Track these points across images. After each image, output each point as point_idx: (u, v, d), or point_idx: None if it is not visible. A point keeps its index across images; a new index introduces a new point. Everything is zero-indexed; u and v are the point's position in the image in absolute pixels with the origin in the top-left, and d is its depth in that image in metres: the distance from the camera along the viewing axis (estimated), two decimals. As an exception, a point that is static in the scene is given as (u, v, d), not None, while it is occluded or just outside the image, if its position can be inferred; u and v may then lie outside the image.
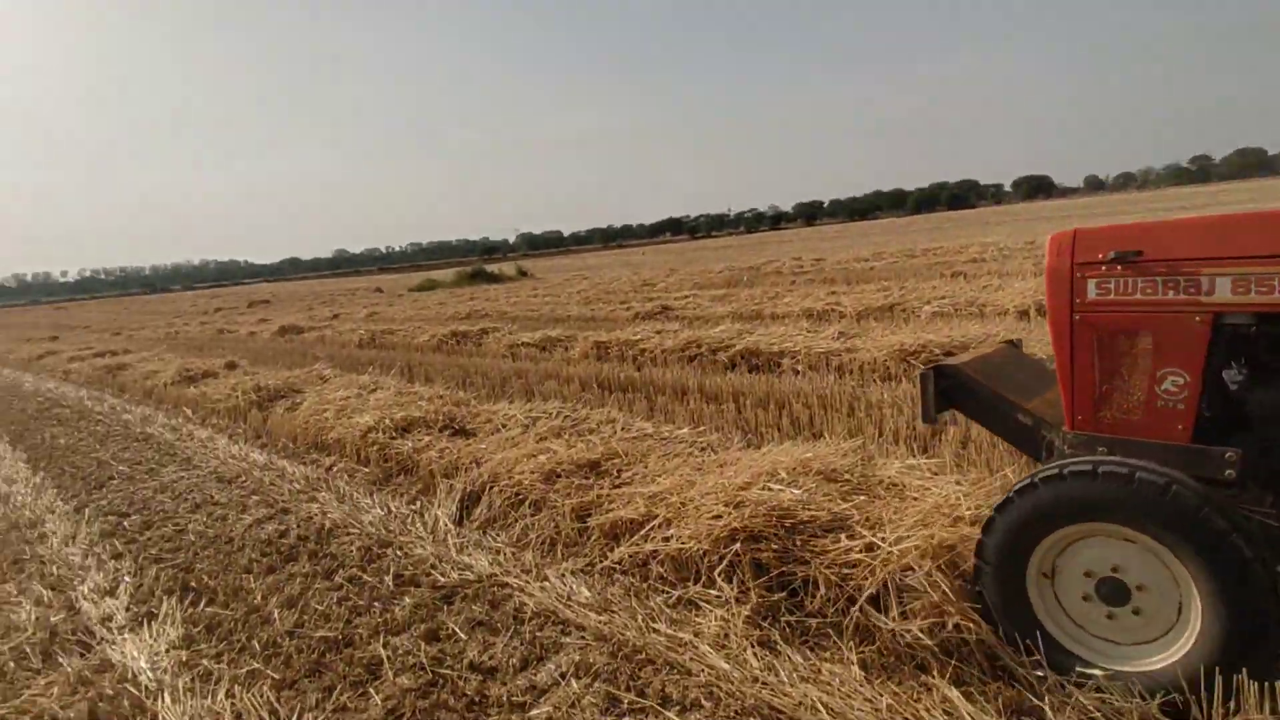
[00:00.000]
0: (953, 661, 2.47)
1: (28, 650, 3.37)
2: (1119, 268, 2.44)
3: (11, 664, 3.27)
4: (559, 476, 4.32)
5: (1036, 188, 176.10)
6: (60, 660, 3.25)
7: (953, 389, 2.93)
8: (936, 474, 3.50)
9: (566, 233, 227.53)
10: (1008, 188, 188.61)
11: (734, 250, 45.73)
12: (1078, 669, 2.30)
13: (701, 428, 5.33)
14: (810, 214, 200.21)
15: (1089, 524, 2.23)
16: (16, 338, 28.48)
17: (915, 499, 3.13)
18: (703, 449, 4.73)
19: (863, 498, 3.25)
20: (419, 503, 4.73)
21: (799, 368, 7.29)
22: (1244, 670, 2.04)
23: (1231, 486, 2.30)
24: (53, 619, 3.65)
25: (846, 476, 3.52)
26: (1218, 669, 2.06)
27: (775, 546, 2.99)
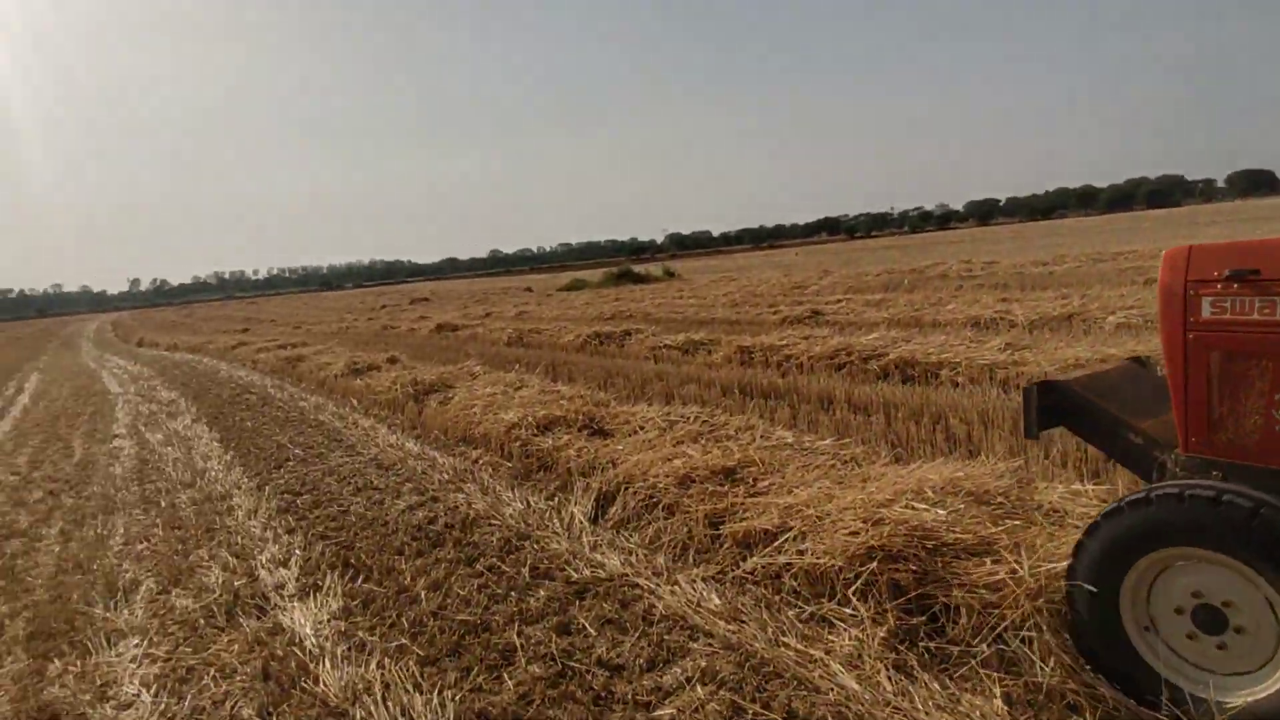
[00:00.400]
0: (1103, 706, 2.32)
1: (215, 610, 3.89)
2: (1235, 286, 2.39)
3: (201, 620, 3.79)
4: (693, 481, 4.41)
5: (1256, 183, 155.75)
6: (240, 621, 3.73)
7: (1060, 405, 2.91)
8: (1104, 502, 3.26)
9: (716, 233, 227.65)
10: (1220, 183, 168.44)
11: (896, 252, 44.00)
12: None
13: (846, 439, 5.22)
14: (984, 213, 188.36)
15: (1192, 549, 2.21)
16: (215, 329, 32.47)
17: (1076, 527, 2.94)
18: (845, 461, 4.65)
19: (1017, 523, 3.09)
20: (557, 499, 4.98)
21: (959, 380, 6.96)
22: None
23: None
24: (236, 584, 4.19)
25: (1000, 499, 3.36)
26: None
27: (914, 568, 2.92)
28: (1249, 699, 2.16)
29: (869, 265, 28.65)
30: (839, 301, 15.13)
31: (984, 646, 2.63)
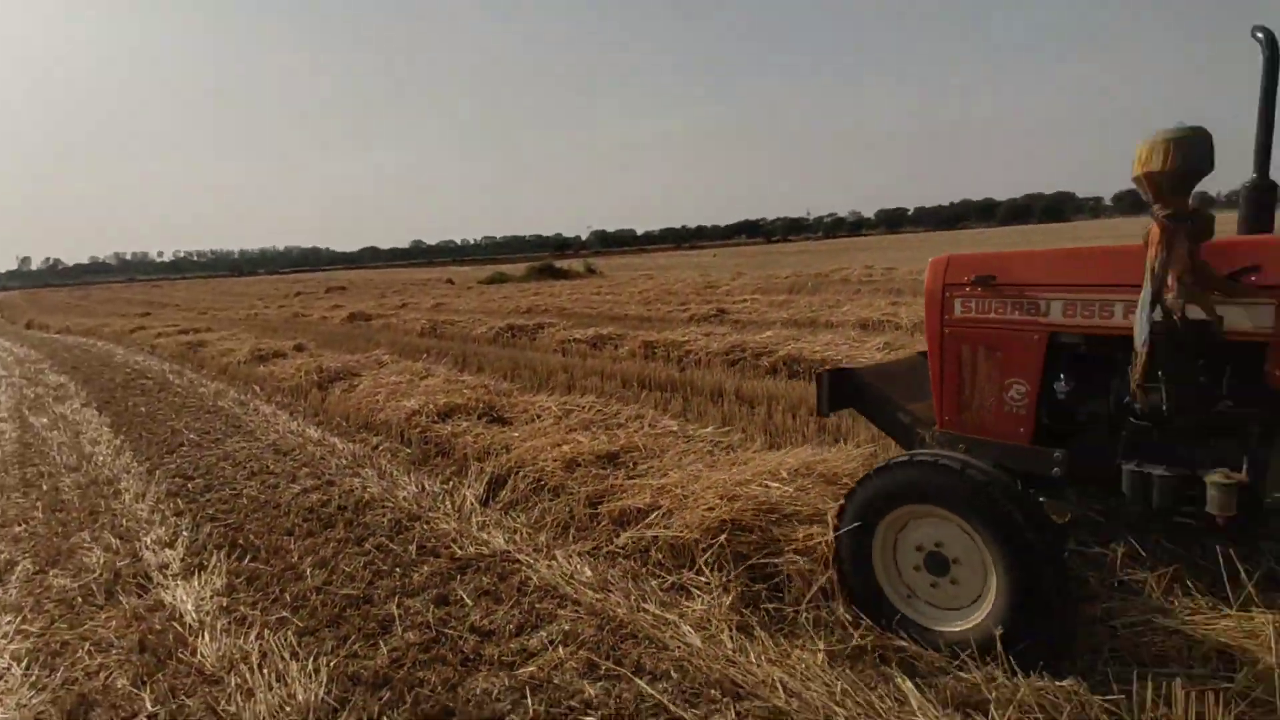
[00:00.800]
0: (905, 655, 2.65)
1: (94, 588, 3.85)
2: (979, 289, 2.82)
3: (79, 599, 3.75)
4: (579, 465, 4.61)
5: (1139, 202, 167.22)
6: (120, 599, 3.71)
7: (849, 389, 3.37)
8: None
9: (640, 231, 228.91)
10: (1108, 201, 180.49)
11: (809, 256, 45.35)
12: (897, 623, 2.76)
13: (727, 428, 5.53)
14: (893, 221, 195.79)
15: (919, 505, 2.65)
16: (113, 312, 30.71)
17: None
18: (723, 448, 4.94)
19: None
20: (451, 483, 5.10)
21: (839, 376, 7.38)
22: (1030, 634, 2.42)
23: (1060, 483, 2.69)
24: (118, 564, 4.14)
25: (846, 479, 3.68)
26: (1006, 632, 2.44)
27: (756, 538, 3.20)
28: (970, 628, 2.60)
29: (780, 268, 29.50)
30: (745, 302, 15.62)
31: (815, 608, 2.93)
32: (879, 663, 2.69)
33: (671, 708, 2.55)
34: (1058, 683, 2.35)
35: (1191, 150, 2.15)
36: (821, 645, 2.79)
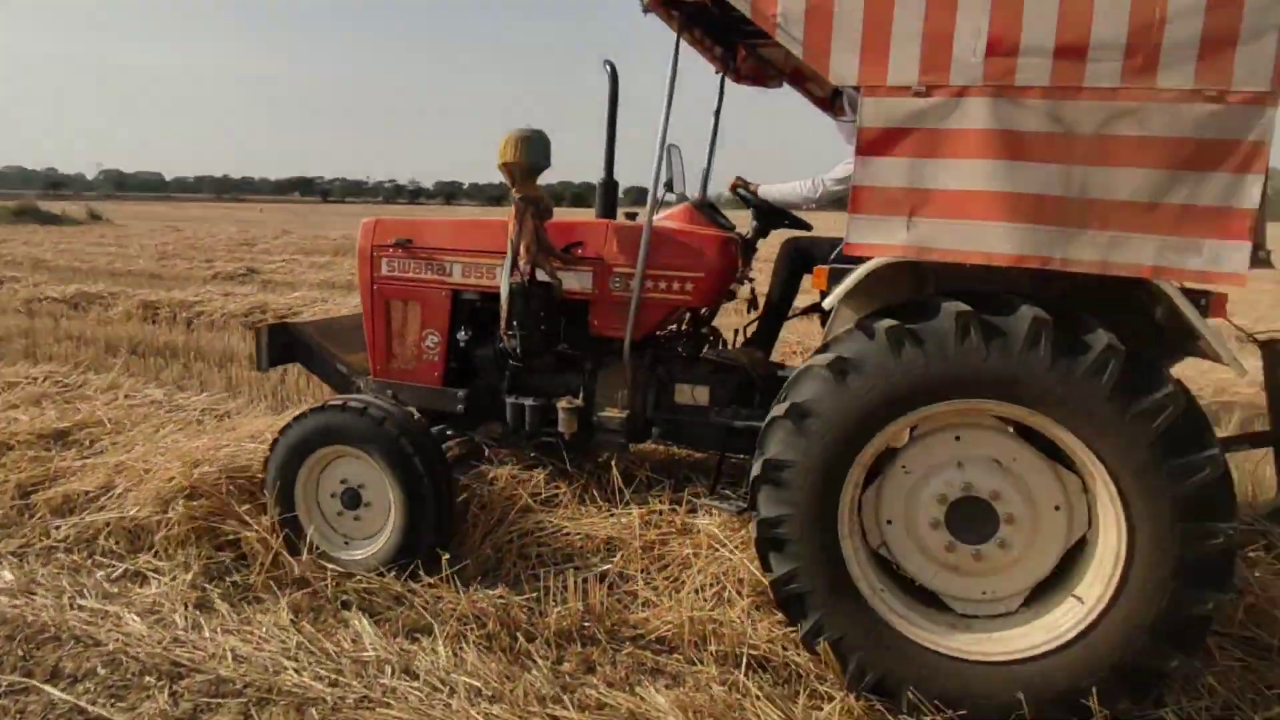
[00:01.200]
0: (365, 594, 2.67)
1: None
2: (400, 251, 3.02)
3: None
4: (11, 449, 3.63)
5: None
6: None
7: (292, 344, 3.31)
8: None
9: (169, 176, 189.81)
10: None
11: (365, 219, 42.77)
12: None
13: (228, 394, 4.92)
14: (450, 193, 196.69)
15: (330, 447, 2.72)
16: None
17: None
18: (218, 416, 4.39)
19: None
20: None
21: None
22: (424, 543, 2.65)
23: (463, 419, 3.04)
24: None
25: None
26: (404, 544, 2.66)
27: (217, 504, 2.89)
28: (376, 551, 2.74)
29: (332, 229, 27.27)
30: (284, 261, 14.08)
31: (275, 567, 2.74)
32: (341, 608, 2.64)
33: (90, 709, 2.14)
34: (489, 592, 2.59)
35: (535, 147, 2.54)
36: (285, 603, 2.63)
